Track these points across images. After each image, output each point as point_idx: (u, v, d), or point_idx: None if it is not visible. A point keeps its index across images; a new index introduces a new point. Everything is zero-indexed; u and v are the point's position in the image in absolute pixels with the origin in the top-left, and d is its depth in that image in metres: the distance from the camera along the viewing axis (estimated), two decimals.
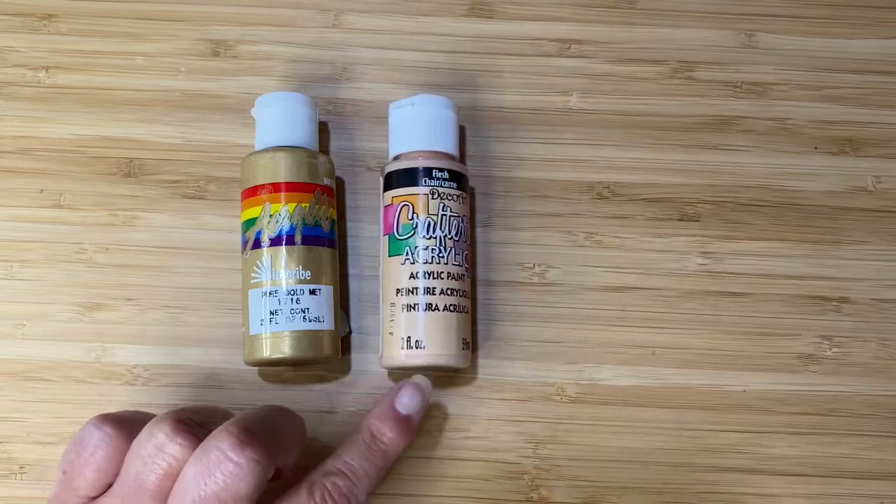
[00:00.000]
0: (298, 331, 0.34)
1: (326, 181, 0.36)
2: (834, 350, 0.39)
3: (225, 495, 0.26)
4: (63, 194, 0.39)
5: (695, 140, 0.40)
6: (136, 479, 0.27)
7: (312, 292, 0.35)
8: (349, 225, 0.39)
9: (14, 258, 0.39)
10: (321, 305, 0.35)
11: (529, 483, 0.37)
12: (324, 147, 0.40)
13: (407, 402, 0.33)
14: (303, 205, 0.35)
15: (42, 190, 0.39)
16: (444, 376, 0.38)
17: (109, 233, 0.39)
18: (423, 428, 0.37)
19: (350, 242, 0.39)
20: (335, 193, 0.37)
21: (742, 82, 0.41)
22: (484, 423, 0.38)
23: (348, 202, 0.39)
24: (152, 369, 0.38)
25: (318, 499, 0.29)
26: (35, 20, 0.41)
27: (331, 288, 0.36)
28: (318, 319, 0.35)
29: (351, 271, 0.39)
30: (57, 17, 0.41)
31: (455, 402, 0.38)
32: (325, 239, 0.36)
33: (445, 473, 0.37)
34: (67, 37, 0.41)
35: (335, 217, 0.37)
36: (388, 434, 0.32)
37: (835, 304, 0.39)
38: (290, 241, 0.35)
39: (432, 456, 0.37)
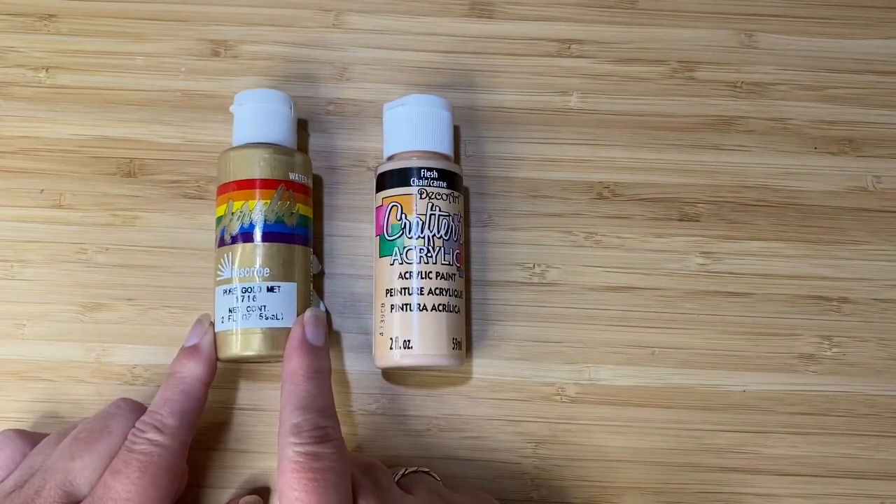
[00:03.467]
0: (253, 329, 0.34)
1: (293, 177, 0.36)
2: (834, 350, 0.39)
3: None
4: (63, 194, 0.39)
5: (695, 140, 0.40)
6: None
7: (270, 289, 0.34)
8: (349, 225, 0.39)
9: (14, 258, 0.39)
10: (280, 303, 0.34)
11: (529, 483, 0.37)
12: (324, 147, 0.40)
13: (191, 335, 0.35)
14: (264, 201, 0.35)
15: (42, 190, 0.39)
16: (443, 376, 0.38)
17: (109, 233, 0.39)
18: (423, 428, 0.37)
19: (350, 243, 0.39)
20: (310, 190, 0.37)
21: (742, 82, 0.41)
22: (484, 423, 0.38)
23: (348, 202, 0.39)
24: (152, 369, 0.38)
25: (129, 442, 0.31)
26: (35, 20, 0.41)
27: (293, 285, 0.35)
28: (275, 317, 0.34)
29: (349, 272, 0.39)
30: (57, 17, 0.41)
31: (455, 402, 0.38)
32: (288, 235, 0.35)
33: (446, 473, 0.37)
34: (67, 37, 0.41)
35: (308, 213, 0.36)
36: (178, 364, 0.34)
37: (835, 304, 0.39)
38: (249, 238, 0.35)
39: (432, 456, 0.37)
